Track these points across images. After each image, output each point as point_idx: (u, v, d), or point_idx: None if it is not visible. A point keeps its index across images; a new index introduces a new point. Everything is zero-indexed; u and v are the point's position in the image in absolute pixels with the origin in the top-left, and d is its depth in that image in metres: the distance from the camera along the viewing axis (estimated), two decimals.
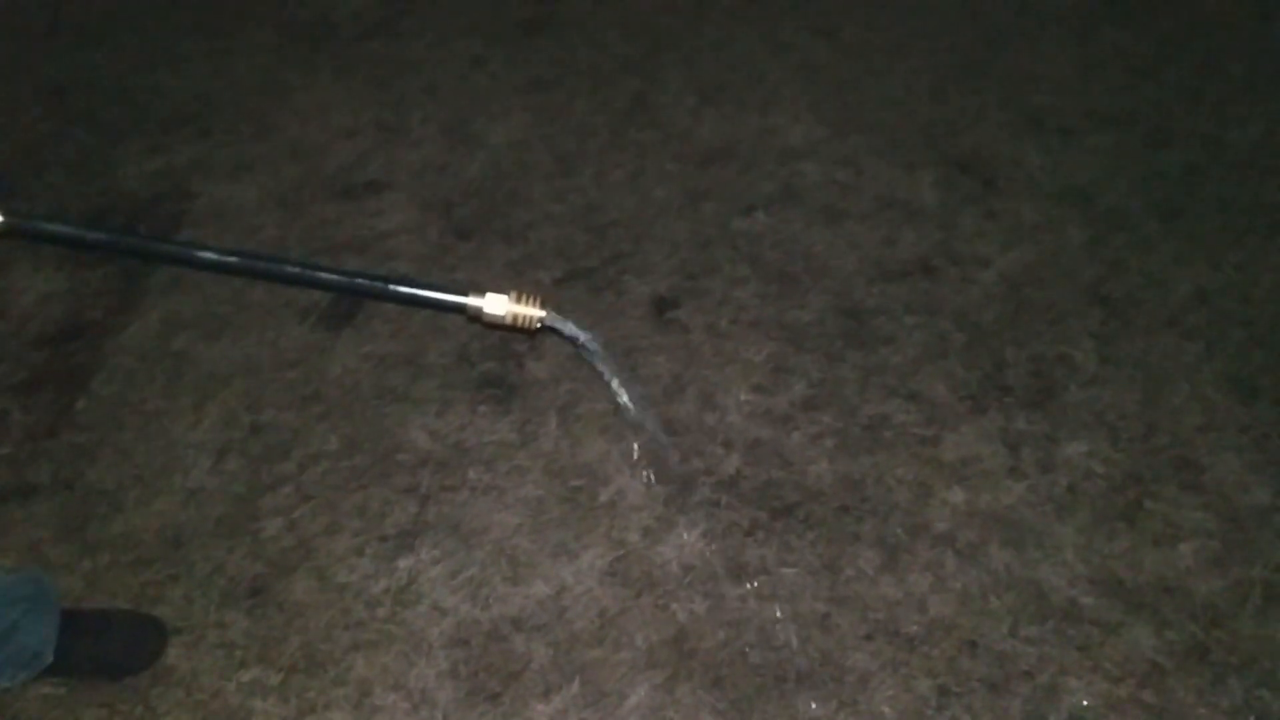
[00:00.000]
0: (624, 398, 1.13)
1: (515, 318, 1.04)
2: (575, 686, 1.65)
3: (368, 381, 2.13)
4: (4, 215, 0.88)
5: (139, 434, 2.03)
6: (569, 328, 1.03)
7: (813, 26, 3.24)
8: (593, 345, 1.06)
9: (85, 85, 2.95)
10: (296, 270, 0.88)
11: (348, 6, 3.35)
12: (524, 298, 1.06)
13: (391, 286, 0.94)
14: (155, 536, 1.85)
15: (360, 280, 0.92)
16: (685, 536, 1.85)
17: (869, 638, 1.71)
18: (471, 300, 1.00)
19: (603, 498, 1.92)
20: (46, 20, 3.22)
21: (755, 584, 1.79)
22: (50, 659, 1.58)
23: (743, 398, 2.09)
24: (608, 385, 1.04)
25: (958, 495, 1.92)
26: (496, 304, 1.02)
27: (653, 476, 1.94)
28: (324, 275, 0.90)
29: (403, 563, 1.82)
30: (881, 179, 2.66)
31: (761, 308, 2.29)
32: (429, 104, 2.92)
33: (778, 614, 1.74)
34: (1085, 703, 1.64)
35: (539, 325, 1.04)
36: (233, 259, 0.87)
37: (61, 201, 2.57)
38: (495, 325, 1.03)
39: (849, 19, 3.27)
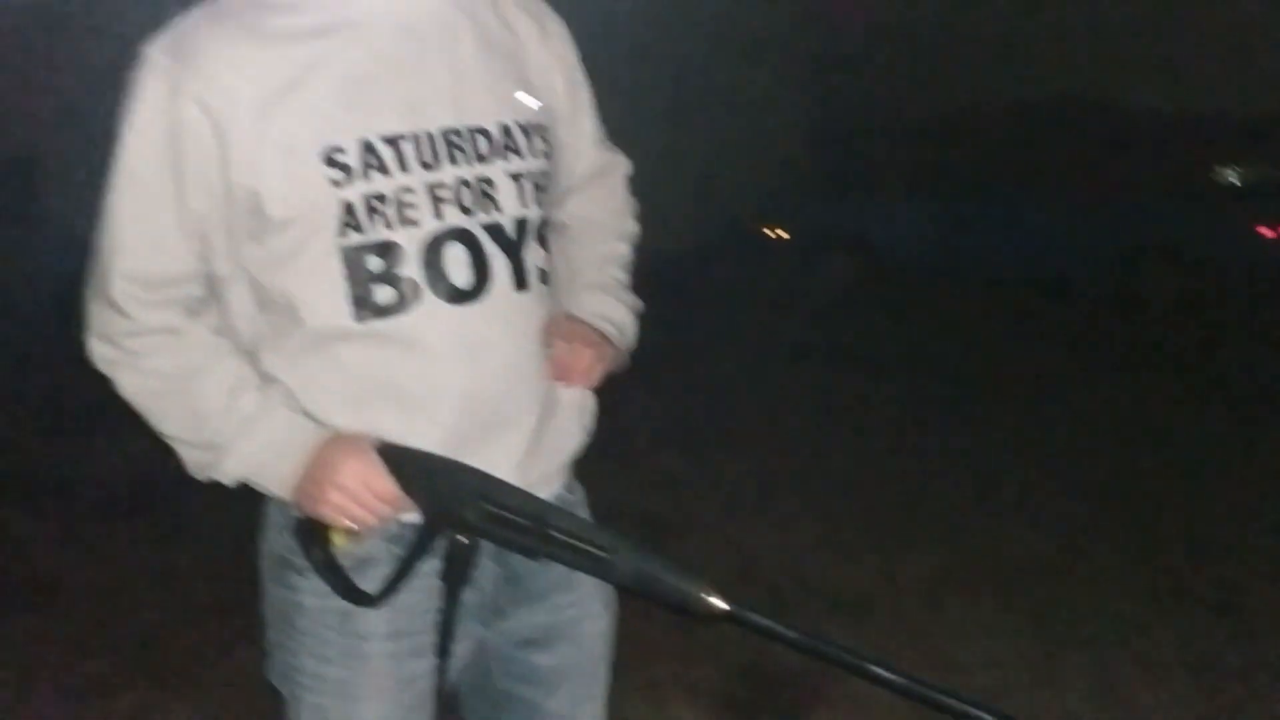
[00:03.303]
0: None
1: None
2: None
3: None
4: (730, 604, 1.07)
5: None
6: None
7: None
8: None
9: None
10: (952, 701, 1.01)
11: (1022, 544, 3.55)
12: None
13: None
14: None
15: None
16: None
17: None
18: None
19: None
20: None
21: None
22: None
23: None
24: None
25: None
26: None
27: None
28: None
29: None
30: None
31: None
32: (1082, 655, 2.88)
33: None
34: None
35: None
36: (900, 679, 1.03)
37: None
38: None
39: None
